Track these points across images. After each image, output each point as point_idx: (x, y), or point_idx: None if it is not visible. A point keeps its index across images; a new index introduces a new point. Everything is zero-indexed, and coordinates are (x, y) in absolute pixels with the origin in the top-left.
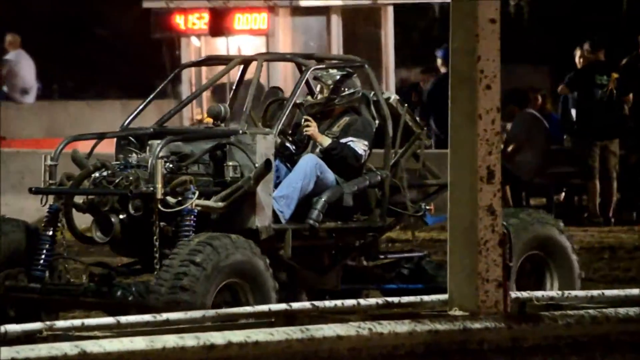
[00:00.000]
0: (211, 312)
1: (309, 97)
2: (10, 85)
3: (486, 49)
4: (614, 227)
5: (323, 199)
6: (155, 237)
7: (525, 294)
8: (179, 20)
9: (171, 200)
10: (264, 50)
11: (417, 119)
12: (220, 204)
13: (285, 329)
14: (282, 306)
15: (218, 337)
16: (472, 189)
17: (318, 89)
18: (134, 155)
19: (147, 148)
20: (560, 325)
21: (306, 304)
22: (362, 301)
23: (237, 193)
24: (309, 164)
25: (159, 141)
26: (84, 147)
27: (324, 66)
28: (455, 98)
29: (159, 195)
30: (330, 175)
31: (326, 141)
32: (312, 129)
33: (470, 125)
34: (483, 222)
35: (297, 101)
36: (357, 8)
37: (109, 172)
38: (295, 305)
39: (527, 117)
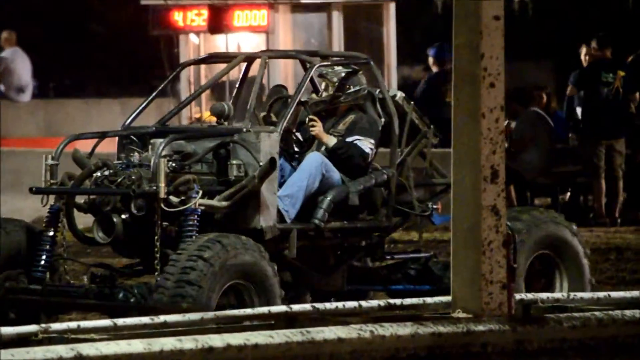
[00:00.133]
0: (210, 314)
1: (314, 95)
2: (6, 83)
3: (490, 46)
4: (620, 228)
5: (328, 198)
6: (156, 237)
7: (530, 296)
8: (177, 17)
9: (174, 199)
10: (264, 47)
11: None
12: (224, 203)
13: (286, 332)
14: (282, 308)
15: (217, 340)
16: (475, 188)
17: (323, 86)
18: (136, 154)
19: (149, 147)
20: (566, 328)
21: (306, 306)
22: (364, 303)
23: (241, 192)
24: (314, 162)
25: (161, 140)
26: (83, 146)
27: (328, 63)
28: (458, 96)
29: (162, 195)
30: (335, 174)
31: (332, 141)
32: (318, 128)
33: (474, 124)
34: (487, 222)
35: (302, 99)
36: (358, 5)
37: (111, 171)
38: (296, 307)
39: (532, 116)
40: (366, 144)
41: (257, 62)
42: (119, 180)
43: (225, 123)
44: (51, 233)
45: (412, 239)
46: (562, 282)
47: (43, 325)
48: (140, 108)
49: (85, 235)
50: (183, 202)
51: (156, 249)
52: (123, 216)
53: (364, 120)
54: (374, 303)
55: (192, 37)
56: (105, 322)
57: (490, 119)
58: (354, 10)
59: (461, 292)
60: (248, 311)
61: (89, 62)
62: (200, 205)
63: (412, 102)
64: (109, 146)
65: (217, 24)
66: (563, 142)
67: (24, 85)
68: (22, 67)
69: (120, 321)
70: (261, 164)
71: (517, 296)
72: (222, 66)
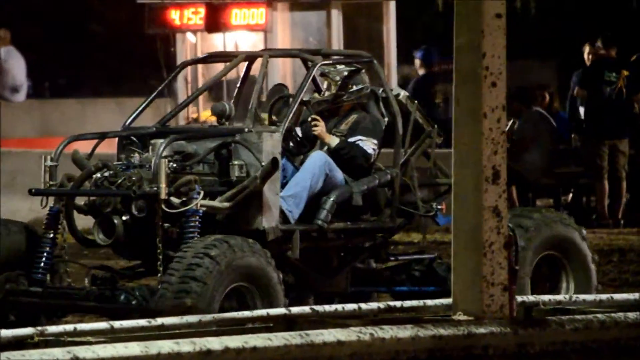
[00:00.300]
0: (208, 317)
1: (316, 95)
2: (0, 83)
3: (492, 45)
4: (623, 229)
5: (332, 199)
6: (158, 239)
7: (531, 298)
8: (174, 15)
9: (175, 200)
10: (262, 46)
11: None
12: (226, 204)
13: (284, 334)
14: (281, 311)
15: (215, 343)
16: (476, 189)
17: (325, 85)
18: (137, 155)
19: (150, 148)
20: (568, 330)
21: (305, 309)
22: (364, 305)
23: (243, 193)
24: (317, 161)
25: (162, 140)
26: (80, 146)
27: (331, 62)
28: (460, 96)
29: (163, 196)
30: (339, 174)
31: (334, 141)
32: (320, 128)
33: (475, 124)
34: (488, 223)
35: (304, 98)
36: (358, 3)
37: (111, 172)
38: (295, 309)
39: (534, 116)
40: (369, 144)
41: (258, 61)
42: (120, 181)
43: (227, 123)
44: (51, 235)
45: (412, 240)
46: (568, 284)
47: (39, 328)
48: (140, 108)
49: (85, 237)
50: (184, 203)
51: (158, 251)
52: (124, 218)
53: (367, 120)
54: (373, 305)
55: (189, 36)
56: (102, 325)
57: (491, 118)
58: (353, 8)
59: (462, 294)
60: (246, 313)
61: (84, 62)
62: (201, 206)
63: (416, 102)
64: (108, 147)
65: (214, 23)
66: (566, 143)
67: (19, 85)
68: (17, 67)
69: (117, 324)
70: (263, 164)
71: (519, 298)
72: (219, 65)
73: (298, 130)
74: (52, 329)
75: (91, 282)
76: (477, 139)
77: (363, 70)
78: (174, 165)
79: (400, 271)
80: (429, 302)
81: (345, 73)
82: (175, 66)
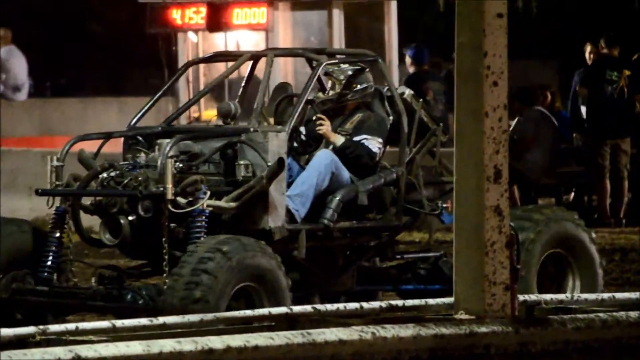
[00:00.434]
0: (209, 316)
1: (320, 94)
2: (1, 82)
3: (493, 45)
4: (625, 228)
5: (337, 198)
6: (164, 239)
7: (533, 297)
8: (175, 14)
9: (182, 200)
10: (263, 46)
11: None
12: (232, 204)
13: (286, 333)
14: (283, 309)
15: (216, 342)
16: (478, 188)
17: (329, 84)
18: (143, 155)
19: (156, 147)
20: (570, 330)
21: (307, 308)
22: (365, 304)
23: (249, 193)
24: (323, 160)
25: (168, 140)
26: (83, 146)
27: (336, 61)
28: (461, 95)
29: (170, 196)
30: (345, 173)
31: (339, 140)
32: (325, 127)
33: (477, 123)
34: (490, 222)
35: (308, 97)
36: (359, 2)
37: (117, 172)
38: (296, 308)
39: (536, 116)
40: (374, 144)
41: (261, 61)
42: (126, 181)
43: (232, 123)
44: (57, 234)
45: (414, 239)
46: (574, 284)
47: (41, 326)
48: (146, 108)
49: (91, 237)
50: (191, 203)
51: (164, 251)
52: (130, 218)
53: (372, 119)
54: (375, 304)
55: (191, 35)
56: (104, 324)
57: (493, 118)
58: (354, 7)
59: (464, 294)
60: (248, 312)
61: (85, 61)
62: (208, 206)
63: (421, 100)
64: (111, 147)
65: (216, 22)
66: (567, 142)
67: (20, 83)
68: (18, 66)
69: (119, 323)
70: (269, 164)
71: (521, 297)
72: (220, 65)
73: (303, 130)
74: (54, 327)
75: (98, 282)
76: (478, 138)
77: (367, 69)
78: (180, 165)
79: (406, 270)
80: (431, 301)
81: (349, 72)
82: (177, 65)
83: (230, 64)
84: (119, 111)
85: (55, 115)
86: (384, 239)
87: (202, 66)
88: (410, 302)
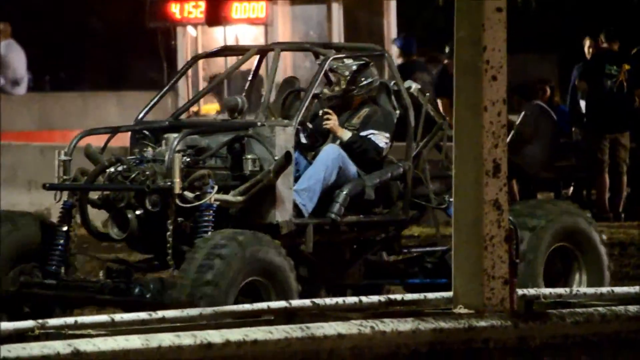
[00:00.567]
0: (208, 310)
1: (326, 90)
2: (1, 76)
3: (492, 39)
4: (624, 223)
5: (344, 192)
6: (168, 233)
7: (532, 291)
8: (174, 9)
9: (189, 195)
10: (262, 40)
11: None
12: (240, 199)
13: (285, 327)
14: (282, 304)
15: (215, 336)
16: (477, 183)
17: (334, 80)
18: (150, 149)
19: (163, 142)
20: (569, 324)
21: (306, 302)
22: (364, 299)
23: (256, 187)
24: (331, 154)
25: (175, 134)
26: (88, 140)
27: (343, 55)
28: (460, 89)
29: (177, 190)
30: (352, 167)
31: (346, 135)
32: (332, 122)
33: (476, 118)
34: (489, 217)
35: (315, 92)
36: None
37: (125, 167)
38: (295, 302)
39: (535, 110)
40: (381, 138)
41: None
42: (133, 175)
43: (239, 117)
44: (65, 228)
45: (413, 234)
46: (580, 279)
47: (40, 321)
48: (153, 102)
49: (99, 232)
50: (198, 198)
51: (168, 245)
52: (137, 212)
53: (379, 113)
54: (374, 299)
55: (190, 30)
56: (103, 318)
57: (492, 112)
58: (354, 2)
59: (463, 288)
60: (247, 306)
61: (85, 55)
62: (215, 200)
63: (427, 94)
64: (116, 141)
65: (215, 16)
66: (566, 136)
67: (19, 78)
68: (17, 60)
69: (118, 317)
70: (276, 158)
71: (519, 292)
72: (220, 59)
73: (310, 124)
74: (53, 322)
75: (106, 275)
76: (477, 133)
77: (372, 64)
78: (188, 159)
79: (413, 263)
80: (430, 295)
81: (354, 67)
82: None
83: (234, 58)
84: (119, 105)
85: (54, 109)
86: (391, 233)
87: (201, 61)
88: (409, 297)
